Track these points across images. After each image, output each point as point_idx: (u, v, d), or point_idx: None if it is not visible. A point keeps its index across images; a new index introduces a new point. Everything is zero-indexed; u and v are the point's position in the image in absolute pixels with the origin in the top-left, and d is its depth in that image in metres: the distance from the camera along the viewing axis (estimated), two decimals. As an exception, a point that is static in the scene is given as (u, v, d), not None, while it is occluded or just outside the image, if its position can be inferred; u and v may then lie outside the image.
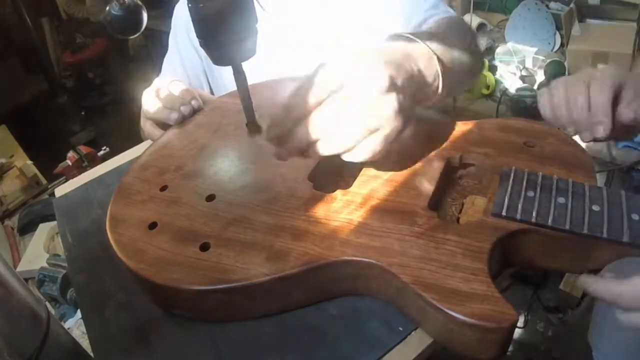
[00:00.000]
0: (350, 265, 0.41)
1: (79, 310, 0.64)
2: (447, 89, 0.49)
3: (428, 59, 0.46)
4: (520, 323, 1.47)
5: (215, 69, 0.84)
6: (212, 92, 0.89)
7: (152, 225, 0.47)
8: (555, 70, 1.60)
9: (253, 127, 0.45)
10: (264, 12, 0.77)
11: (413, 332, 0.41)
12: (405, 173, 0.48)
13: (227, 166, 0.53)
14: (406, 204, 0.44)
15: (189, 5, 0.39)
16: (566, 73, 1.60)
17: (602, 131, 0.50)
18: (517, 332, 1.45)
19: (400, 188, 0.46)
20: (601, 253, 0.39)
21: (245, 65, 0.56)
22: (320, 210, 0.45)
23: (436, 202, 0.47)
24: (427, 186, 0.46)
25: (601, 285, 0.41)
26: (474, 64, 0.61)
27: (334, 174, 0.54)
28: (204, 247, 0.44)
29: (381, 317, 0.42)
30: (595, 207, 0.40)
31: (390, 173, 0.48)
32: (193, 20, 0.40)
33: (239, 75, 0.43)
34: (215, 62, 0.42)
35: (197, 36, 0.41)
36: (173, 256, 0.43)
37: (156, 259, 0.43)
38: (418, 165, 0.49)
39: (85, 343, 0.45)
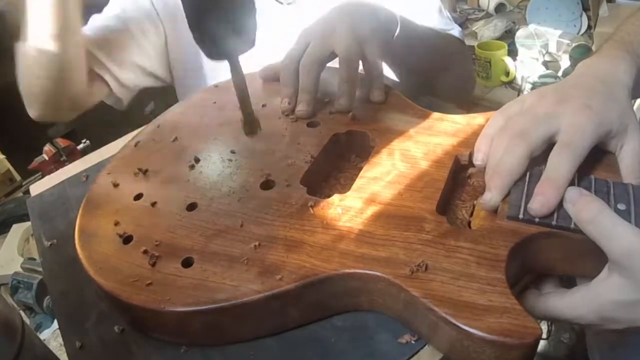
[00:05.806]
0: (352, 279, 0.41)
1: (56, 320, 0.64)
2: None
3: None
4: (544, 334, 1.47)
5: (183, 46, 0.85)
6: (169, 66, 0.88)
7: (127, 240, 0.47)
8: (582, 55, 1.59)
9: (252, 124, 0.48)
10: (278, 4, 0.84)
11: (426, 346, 0.41)
12: (409, 174, 0.48)
13: (209, 170, 0.52)
14: (412, 208, 0.44)
15: None
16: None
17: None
18: (540, 345, 1.44)
19: (404, 191, 0.46)
20: (630, 256, 0.39)
21: (261, 59, 0.61)
22: (316, 218, 0.45)
23: (444, 205, 0.47)
24: (434, 187, 0.45)
25: (541, 304, 0.41)
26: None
27: (330, 176, 0.53)
28: (187, 263, 0.43)
29: (391, 328, 0.42)
30: (621, 206, 0.40)
31: (393, 174, 0.48)
32: (186, 13, 0.41)
33: (236, 72, 0.45)
34: (211, 57, 0.43)
35: (190, 29, 0.42)
36: (152, 274, 0.43)
37: (133, 278, 0.43)
38: (423, 164, 0.48)
39: (63, 356, 0.45)
